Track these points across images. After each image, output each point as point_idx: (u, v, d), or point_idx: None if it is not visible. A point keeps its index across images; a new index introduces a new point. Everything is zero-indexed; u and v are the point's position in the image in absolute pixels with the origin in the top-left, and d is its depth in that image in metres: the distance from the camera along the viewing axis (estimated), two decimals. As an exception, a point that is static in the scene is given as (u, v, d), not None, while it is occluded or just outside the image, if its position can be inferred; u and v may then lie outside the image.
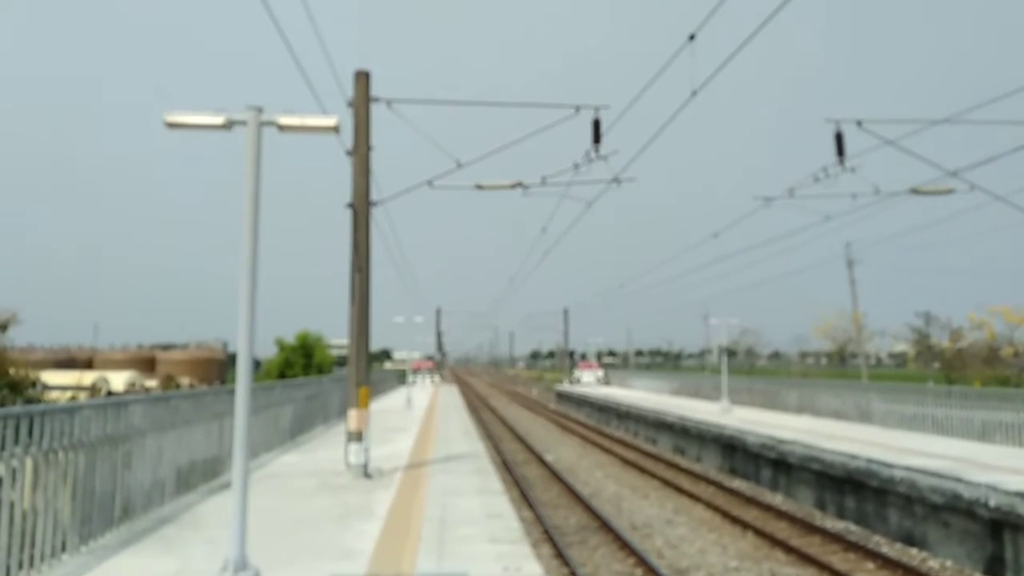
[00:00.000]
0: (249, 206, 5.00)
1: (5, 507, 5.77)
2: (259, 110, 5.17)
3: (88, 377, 42.66)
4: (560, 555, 10.68)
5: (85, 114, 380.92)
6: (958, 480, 10.67)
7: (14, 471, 5.93)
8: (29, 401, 18.06)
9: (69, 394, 29.13)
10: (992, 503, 9.87)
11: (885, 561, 10.40)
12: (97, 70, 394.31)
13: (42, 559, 6.25)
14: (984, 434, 15.39)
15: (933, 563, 10.62)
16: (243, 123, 5.13)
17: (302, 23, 9.96)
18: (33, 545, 6.13)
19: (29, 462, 6.14)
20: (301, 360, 36.94)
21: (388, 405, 29.68)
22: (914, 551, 11.25)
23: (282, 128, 5.28)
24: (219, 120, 5.19)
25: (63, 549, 6.62)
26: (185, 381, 52.64)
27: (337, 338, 38.91)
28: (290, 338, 38.14)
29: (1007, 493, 9.74)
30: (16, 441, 5.98)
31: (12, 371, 19.63)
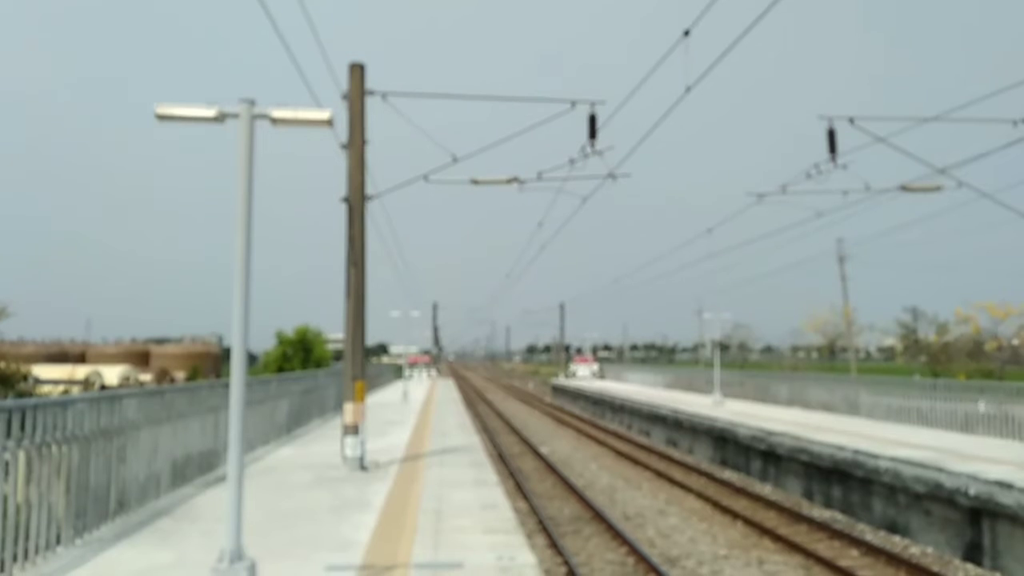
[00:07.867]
0: (242, 199, 5.01)
1: (-1, 500, 5.80)
2: (251, 103, 5.15)
3: (81, 371, 42.38)
4: (554, 545, 10.80)
5: (76, 106, 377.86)
6: (940, 470, 10.85)
7: (7, 464, 5.95)
8: (20, 395, 17.98)
9: (61, 388, 29.00)
10: (972, 492, 10.05)
11: (869, 548, 10.58)
12: (88, 63, 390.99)
13: (36, 552, 6.28)
14: (967, 425, 15.61)
15: (915, 550, 10.81)
16: (235, 116, 5.11)
17: (296, 15, 9.94)
18: (27, 538, 6.16)
19: (22, 456, 6.15)
20: (300, 354, 36.88)
21: (385, 399, 29.73)
22: (897, 538, 11.44)
23: (275, 121, 5.26)
24: (211, 113, 5.18)
25: (58, 542, 6.65)
26: (181, 375, 52.42)
27: (335, 333, 38.84)
28: (290, 332, 38.05)
29: (986, 482, 9.93)
30: (8, 435, 5.99)
31: (3, 365, 19.54)
